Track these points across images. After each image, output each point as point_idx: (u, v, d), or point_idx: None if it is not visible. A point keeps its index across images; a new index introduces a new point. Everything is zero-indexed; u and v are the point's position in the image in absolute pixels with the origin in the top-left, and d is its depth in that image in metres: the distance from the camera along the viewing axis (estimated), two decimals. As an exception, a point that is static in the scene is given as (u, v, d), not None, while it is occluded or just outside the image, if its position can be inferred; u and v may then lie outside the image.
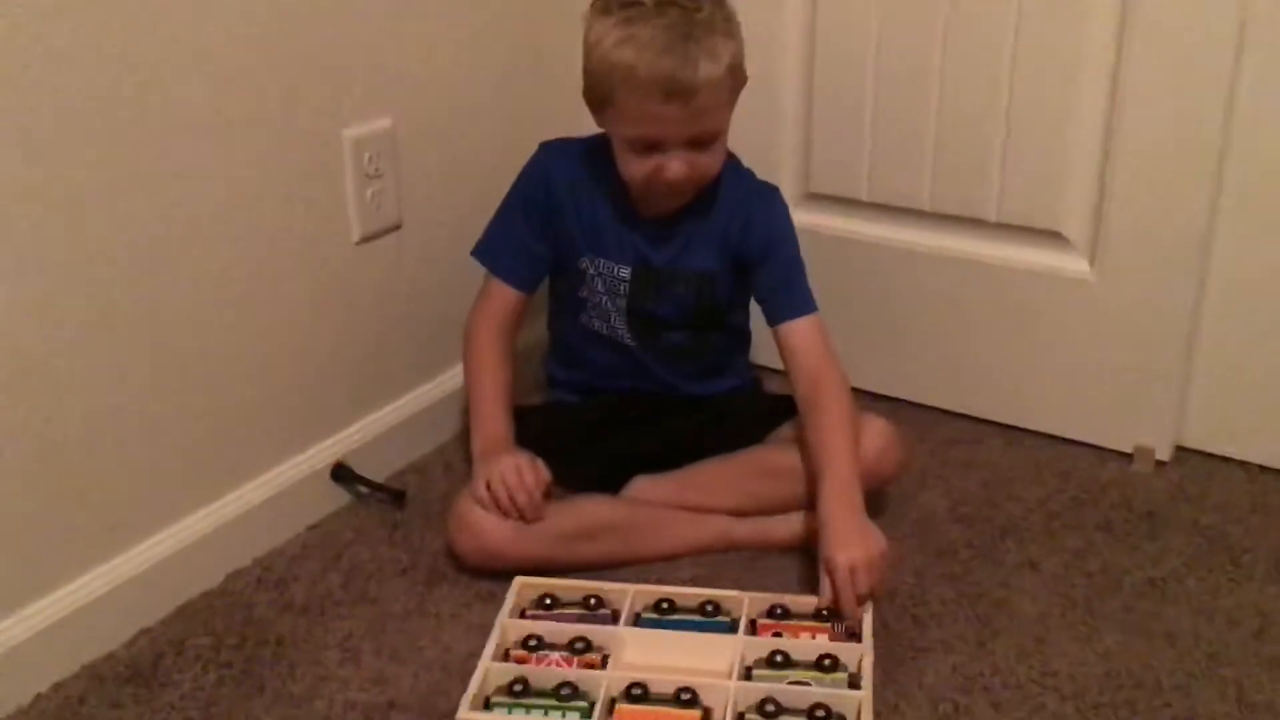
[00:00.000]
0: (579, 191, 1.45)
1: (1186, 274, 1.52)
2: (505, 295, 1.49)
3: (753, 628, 1.26)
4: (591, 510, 1.41)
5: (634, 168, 1.36)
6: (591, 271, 1.47)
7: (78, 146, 1.17)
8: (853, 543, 1.26)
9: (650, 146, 1.34)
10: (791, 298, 1.44)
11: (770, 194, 1.49)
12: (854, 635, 1.24)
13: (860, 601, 1.24)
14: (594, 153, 1.43)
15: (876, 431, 1.42)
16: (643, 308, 1.47)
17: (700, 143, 1.34)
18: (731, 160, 1.47)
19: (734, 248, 1.45)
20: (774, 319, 1.45)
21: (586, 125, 1.43)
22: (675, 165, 1.34)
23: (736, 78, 1.34)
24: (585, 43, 1.34)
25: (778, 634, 1.24)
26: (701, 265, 1.46)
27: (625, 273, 1.46)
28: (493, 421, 1.44)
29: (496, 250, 1.49)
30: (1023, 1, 1.51)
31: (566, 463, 1.43)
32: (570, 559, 1.37)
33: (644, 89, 1.29)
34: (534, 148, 1.50)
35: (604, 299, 1.48)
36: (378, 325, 1.56)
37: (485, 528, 1.35)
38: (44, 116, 1.14)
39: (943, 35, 1.58)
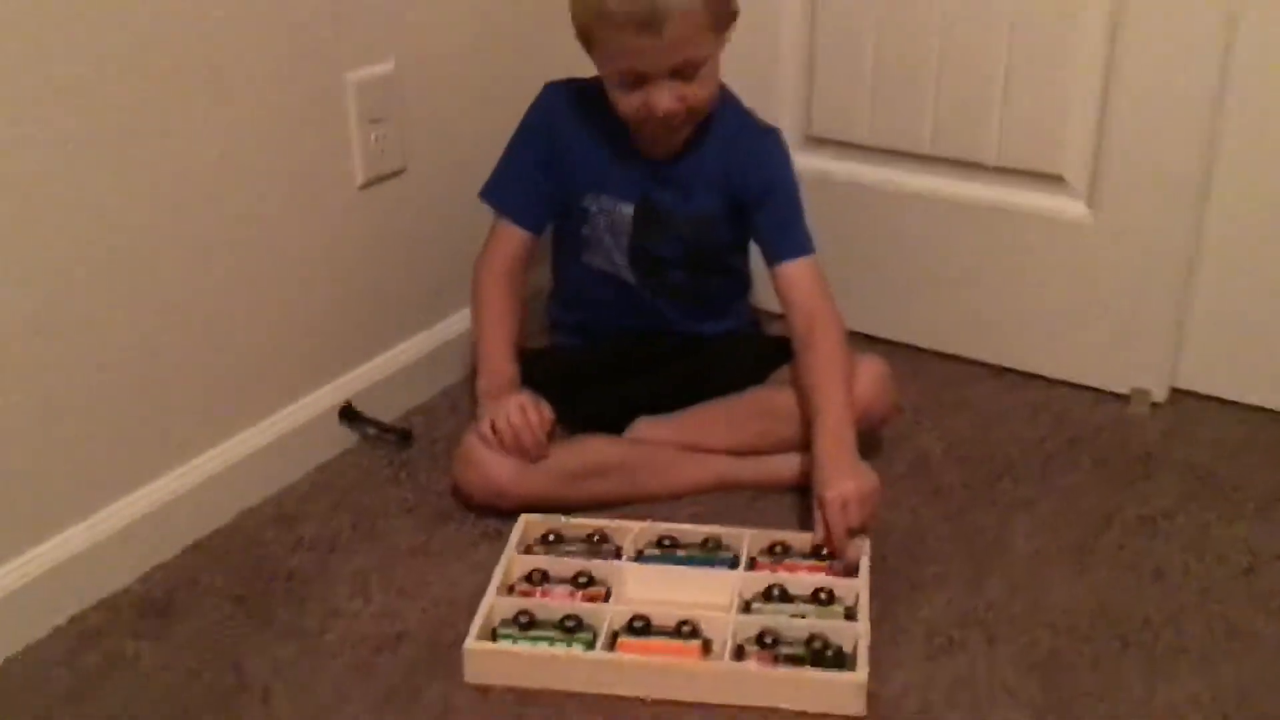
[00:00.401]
0: (583, 130, 1.46)
1: (1184, 218, 1.54)
2: (513, 236, 1.50)
3: (752, 565, 1.29)
4: (595, 449, 1.44)
5: (624, 104, 1.38)
6: (595, 209, 1.48)
7: (82, 94, 1.18)
8: (844, 479, 1.29)
9: (636, 81, 1.35)
10: (789, 239, 1.46)
11: (771, 135, 1.50)
12: (851, 572, 1.27)
13: (851, 535, 1.27)
14: (598, 92, 1.44)
15: (870, 371, 1.44)
16: (644, 245, 1.49)
17: (683, 73, 1.34)
18: (733, 101, 1.48)
19: (734, 189, 1.47)
20: (772, 260, 1.47)
21: (590, 68, 1.43)
22: (662, 97, 1.35)
23: (715, 7, 1.34)
24: None
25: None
26: (702, 206, 1.48)
27: (628, 210, 1.47)
28: (498, 362, 1.46)
29: (503, 191, 1.51)
30: (1024, -56, 1.52)
31: (570, 404, 1.46)
32: (574, 497, 1.40)
33: (617, 23, 1.31)
34: (538, 91, 1.51)
35: (606, 236, 1.49)
36: (383, 269, 1.58)
37: (490, 465, 1.37)
38: (50, 67, 1.15)
39: (944, -22, 1.58)
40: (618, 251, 1.49)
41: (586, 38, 1.36)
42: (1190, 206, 1.53)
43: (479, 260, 1.52)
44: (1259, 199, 1.52)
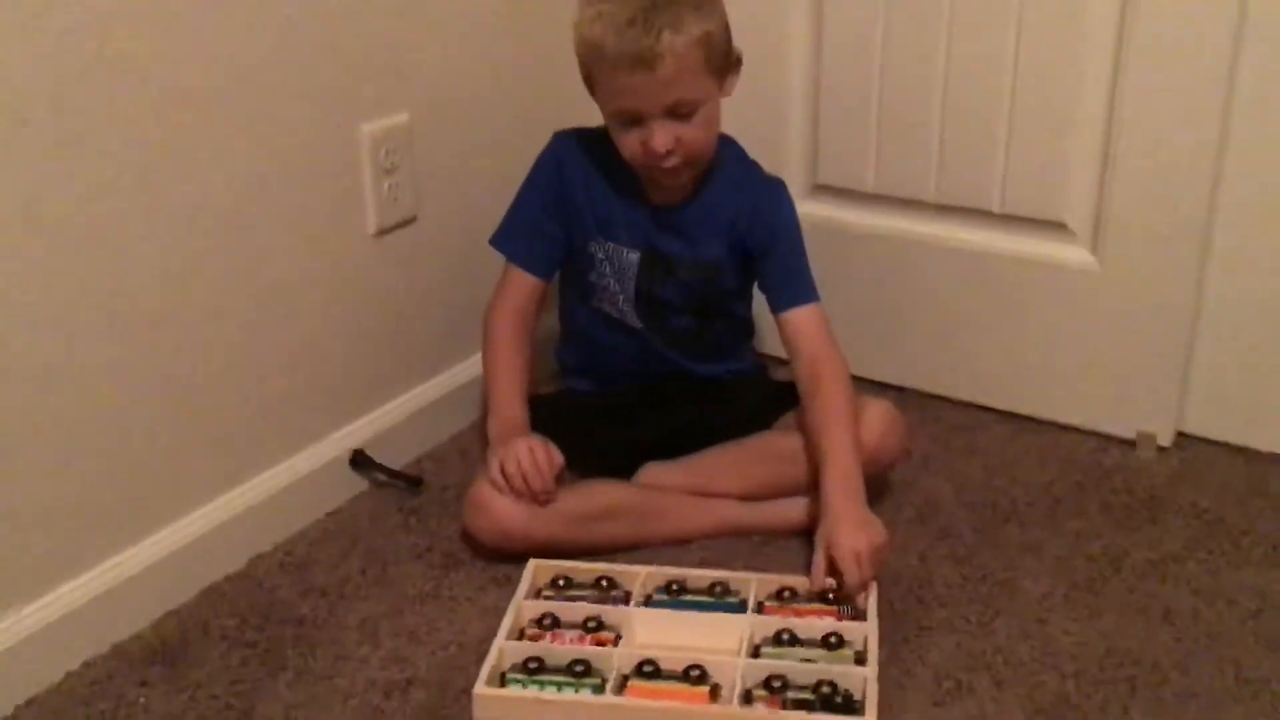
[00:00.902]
0: (591, 177, 1.49)
1: (1187, 264, 1.55)
2: (523, 282, 1.52)
3: (760, 610, 1.29)
4: (603, 493, 1.45)
5: (625, 145, 1.40)
6: (601, 255, 1.50)
7: (105, 144, 1.21)
8: (857, 531, 1.30)
9: (633, 120, 1.38)
10: (795, 287, 1.48)
11: (777, 186, 1.52)
12: (859, 616, 1.27)
13: (862, 589, 1.28)
14: (606, 140, 1.46)
15: (878, 415, 1.45)
16: (650, 291, 1.50)
17: (678, 113, 1.37)
18: (737, 152, 1.51)
19: (741, 237, 1.49)
20: (777, 307, 1.48)
21: (599, 119, 1.46)
22: (659, 136, 1.37)
23: (711, 50, 1.36)
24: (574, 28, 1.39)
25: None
26: (707, 253, 1.50)
27: (634, 257, 1.49)
28: (509, 408, 1.47)
29: (513, 238, 1.53)
30: (1025, -4, 1.54)
31: (579, 450, 1.47)
32: (582, 540, 1.40)
33: (612, 62, 1.34)
34: (547, 141, 1.53)
35: (612, 282, 1.51)
36: (395, 316, 1.60)
37: (499, 509, 1.38)
38: (72, 116, 1.18)
39: (947, 29, 1.60)
40: (624, 297, 1.51)
41: (588, 78, 1.39)
42: (1194, 252, 1.54)
43: (490, 307, 1.54)
44: (1263, 245, 1.53)
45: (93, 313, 1.23)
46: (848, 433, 1.38)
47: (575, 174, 1.49)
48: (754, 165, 1.53)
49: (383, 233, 1.55)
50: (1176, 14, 1.46)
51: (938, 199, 1.70)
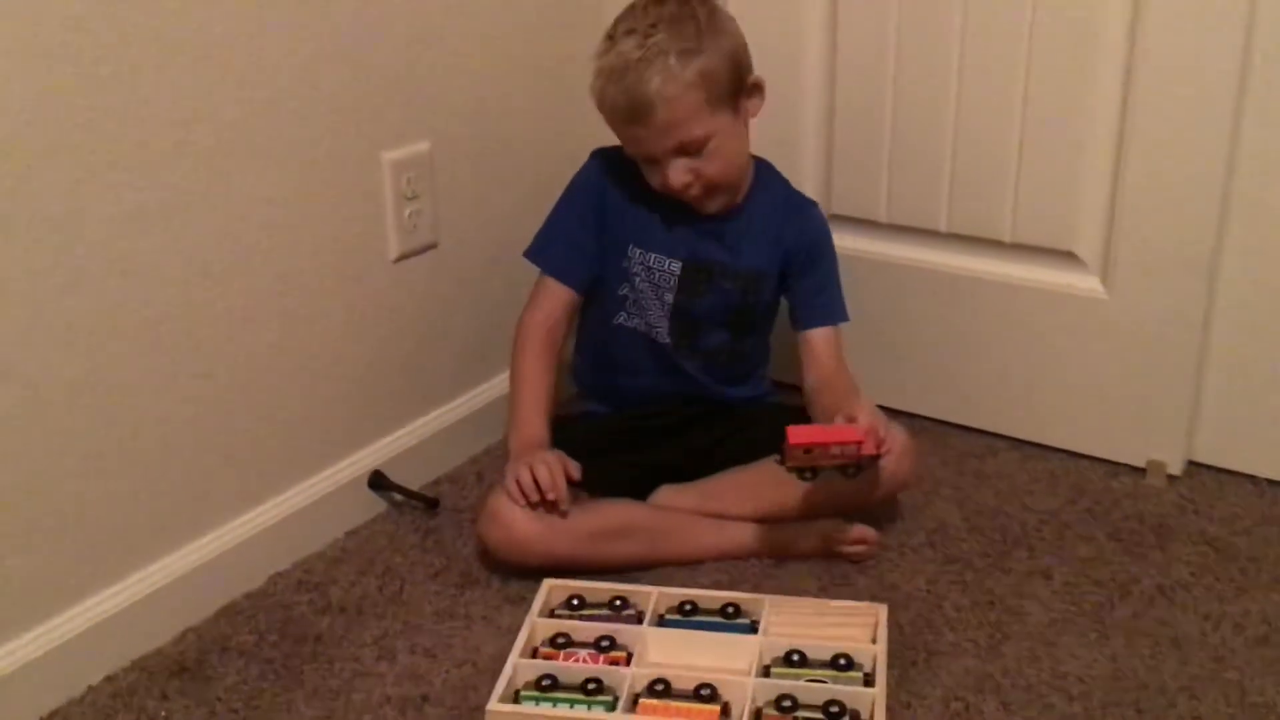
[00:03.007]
0: (632, 190, 1.52)
1: (1196, 292, 1.57)
2: (556, 293, 1.55)
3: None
4: (618, 512, 1.47)
5: (650, 179, 1.46)
6: (638, 267, 1.52)
7: (135, 170, 1.24)
8: (875, 415, 1.38)
9: (648, 159, 1.43)
10: (825, 306, 1.55)
11: (816, 205, 1.60)
12: (860, 467, 1.37)
13: (881, 441, 1.36)
14: None
15: (895, 442, 1.47)
16: (688, 304, 1.53)
17: (688, 151, 1.41)
18: (775, 172, 1.58)
19: (786, 248, 1.53)
20: (805, 323, 1.53)
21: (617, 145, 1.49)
22: (673, 174, 1.42)
23: (712, 87, 1.39)
24: None
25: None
26: (752, 263, 1.53)
27: (675, 267, 1.52)
28: (530, 419, 1.50)
29: (549, 250, 1.56)
30: (1035, 28, 1.56)
31: (596, 471, 1.49)
32: (596, 557, 1.42)
33: (610, 114, 1.42)
34: (565, 171, 1.56)
35: (648, 296, 1.53)
36: (414, 340, 1.63)
37: (515, 522, 1.40)
38: (103, 143, 1.21)
39: (958, 63, 1.63)
40: (658, 311, 1.54)
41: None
42: (1202, 281, 1.56)
43: (522, 319, 1.56)
44: (1271, 273, 1.55)
45: (119, 334, 1.26)
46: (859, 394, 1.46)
47: (616, 186, 1.53)
48: (791, 186, 1.59)
49: (403, 258, 1.57)
50: (1184, 46, 1.48)
51: (949, 229, 1.72)
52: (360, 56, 1.46)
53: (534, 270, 1.56)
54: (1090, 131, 1.58)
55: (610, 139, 1.48)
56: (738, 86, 1.44)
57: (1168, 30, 1.49)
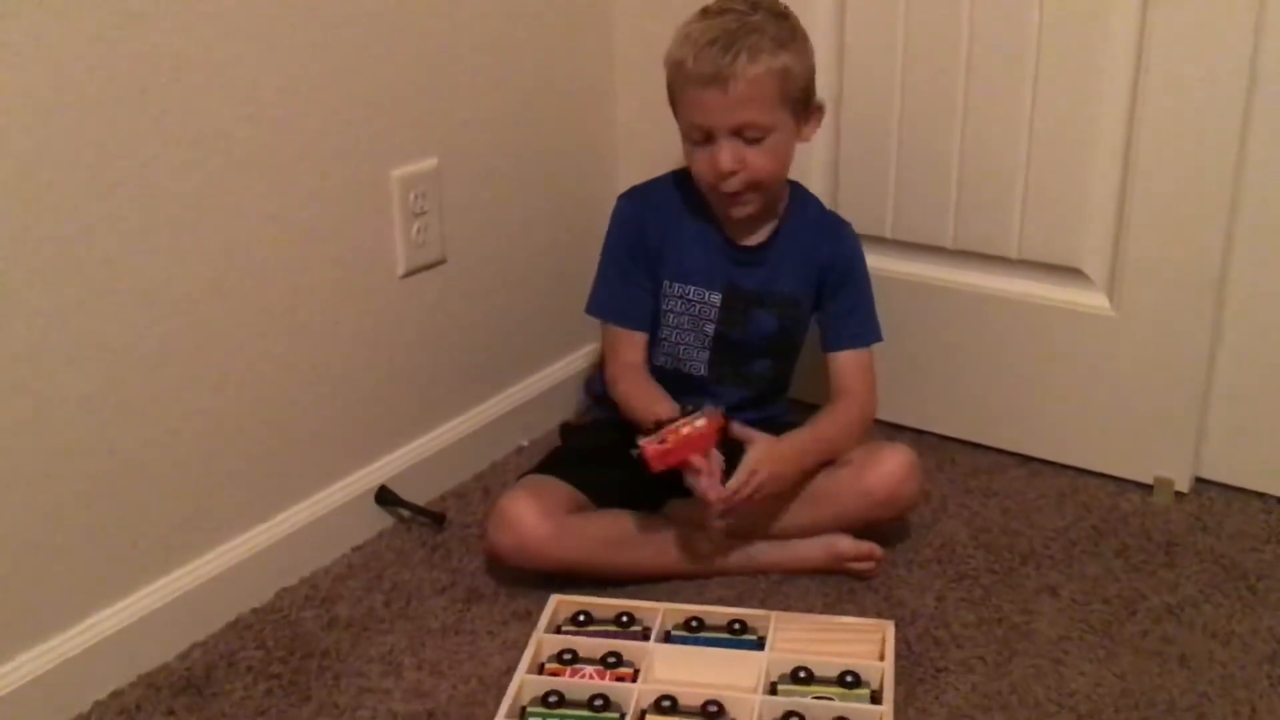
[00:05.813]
0: (667, 225, 1.53)
1: (1203, 309, 1.57)
2: (630, 339, 1.54)
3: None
4: (629, 520, 1.46)
5: (695, 163, 1.46)
6: (676, 301, 1.53)
7: (144, 188, 1.25)
8: (773, 463, 1.39)
9: (704, 137, 1.43)
10: (855, 327, 1.55)
11: (846, 223, 1.60)
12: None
13: (735, 492, 1.36)
14: (670, 188, 1.52)
15: (898, 459, 1.47)
16: (730, 334, 1.53)
17: (746, 135, 1.42)
18: (810, 194, 1.58)
19: (821, 270, 1.54)
20: (831, 345, 1.54)
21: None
22: (725, 153, 1.42)
23: (787, 84, 1.42)
24: None
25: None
26: (790, 287, 1.54)
27: (715, 298, 1.52)
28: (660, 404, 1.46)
29: (611, 302, 1.55)
30: (1042, 45, 1.57)
31: (607, 481, 1.48)
32: (605, 564, 1.42)
33: (690, 77, 1.42)
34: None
35: (686, 331, 1.53)
36: (421, 356, 1.63)
37: (525, 526, 1.40)
38: (113, 161, 1.22)
39: (965, 80, 1.64)
40: (697, 345, 1.54)
41: (671, 95, 1.47)
42: (1210, 298, 1.56)
43: (608, 373, 1.55)
44: (1277, 290, 1.55)
45: (128, 350, 1.27)
46: (836, 426, 1.47)
47: (653, 226, 1.53)
48: (825, 207, 1.60)
49: (411, 274, 1.58)
50: (1192, 63, 1.48)
51: (956, 245, 1.72)
52: (369, 74, 1.47)
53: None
54: (1097, 148, 1.58)
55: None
56: (807, 99, 1.47)
57: (1174, 48, 1.49)
